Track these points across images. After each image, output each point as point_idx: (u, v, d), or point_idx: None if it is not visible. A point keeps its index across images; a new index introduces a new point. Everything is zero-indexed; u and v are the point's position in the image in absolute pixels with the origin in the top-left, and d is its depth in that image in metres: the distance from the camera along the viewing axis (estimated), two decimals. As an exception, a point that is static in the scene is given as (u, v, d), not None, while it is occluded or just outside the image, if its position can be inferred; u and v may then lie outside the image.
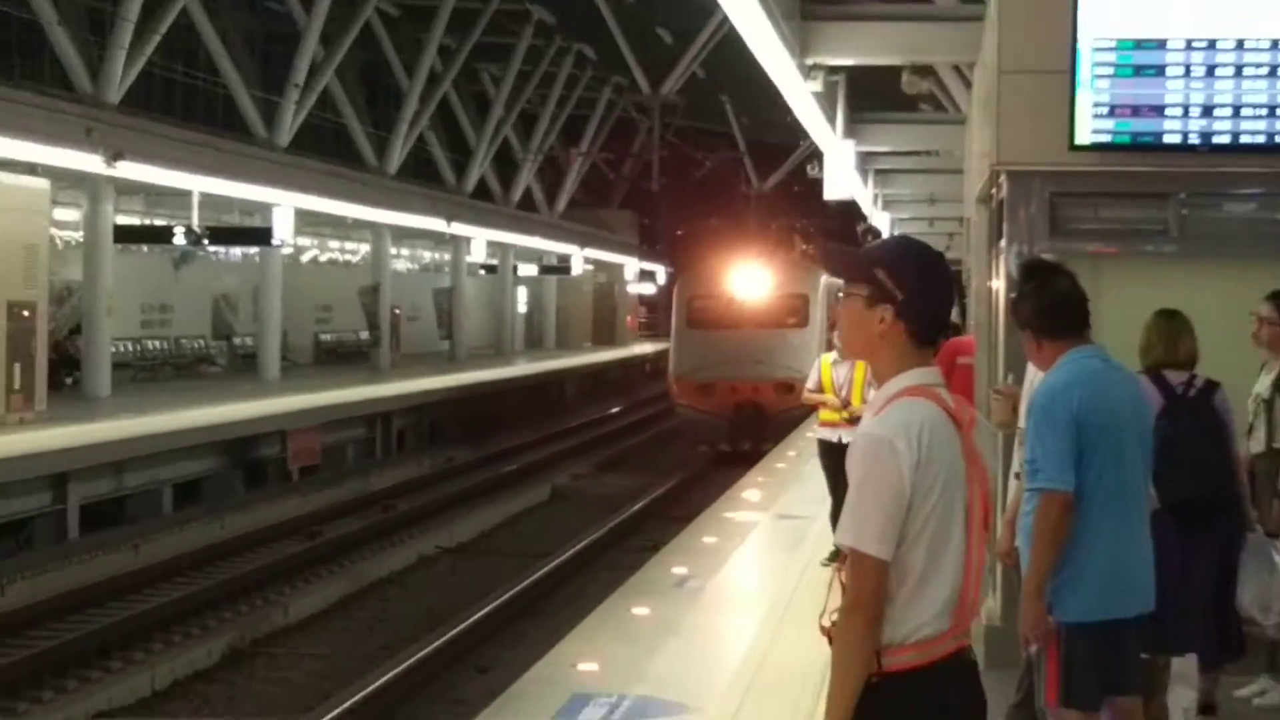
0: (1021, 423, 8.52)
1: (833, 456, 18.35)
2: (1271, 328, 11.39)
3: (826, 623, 5.47)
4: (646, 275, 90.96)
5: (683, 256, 62.75)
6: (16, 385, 29.86)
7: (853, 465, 5.31)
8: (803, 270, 47.07)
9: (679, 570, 17.70)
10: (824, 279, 47.17)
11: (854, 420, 18.34)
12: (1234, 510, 10.17)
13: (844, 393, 18.28)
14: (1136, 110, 13.16)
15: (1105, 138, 13.16)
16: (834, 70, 27.60)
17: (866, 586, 5.24)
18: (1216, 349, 10.70)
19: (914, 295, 5.40)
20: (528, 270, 71.49)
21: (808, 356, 38.41)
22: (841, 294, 5.62)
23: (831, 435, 18.47)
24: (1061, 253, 11.99)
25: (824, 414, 18.85)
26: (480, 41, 56.33)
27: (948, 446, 5.31)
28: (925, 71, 29.11)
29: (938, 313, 5.56)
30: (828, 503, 18.50)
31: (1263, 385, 11.48)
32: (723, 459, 39.20)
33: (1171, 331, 10.02)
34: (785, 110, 30.16)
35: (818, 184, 37.80)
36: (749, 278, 44.77)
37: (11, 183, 30.06)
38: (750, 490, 25.79)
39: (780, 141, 57.49)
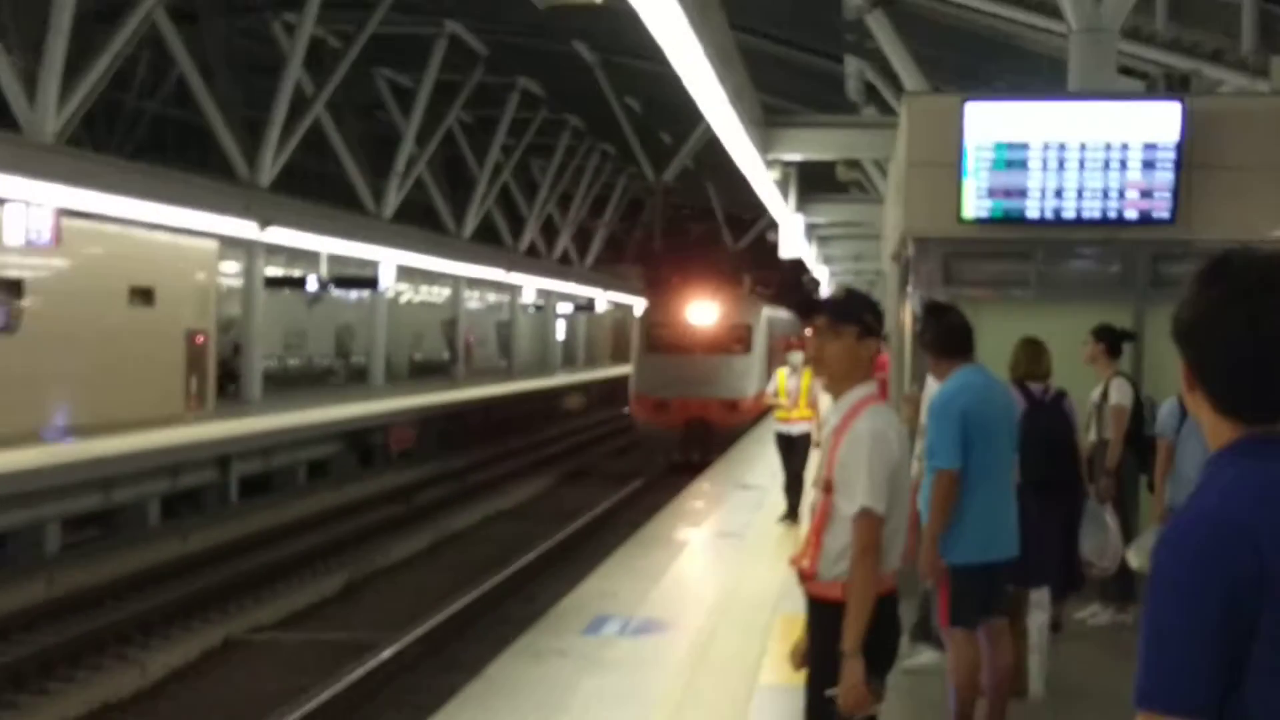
0: (923, 420, 8.53)
1: (784, 443, 18.36)
2: (1094, 350, 11.51)
3: (802, 562, 5.62)
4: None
5: (649, 292, 55.23)
6: (193, 390, 29.98)
7: (859, 447, 5.44)
8: (747, 304, 42.20)
9: (673, 527, 17.70)
10: (765, 312, 42.24)
11: (797, 419, 18.41)
12: (1076, 485, 10.26)
13: (793, 398, 18.23)
14: (1007, 194, 13.22)
15: (984, 213, 13.25)
16: (788, 164, 27.69)
17: (876, 536, 5.40)
18: (1064, 367, 10.74)
19: (879, 326, 5.70)
20: (565, 308, 71.76)
21: (750, 379, 36.87)
22: (822, 329, 5.77)
23: (784, 429, 18.47)
24: (952, 296, 12.01)
25: (779, 413, 18.84)
26: (531, 142, 56.46)
27: (904, 435, 5.57)
28: (853, 165, 29.29)
29: (881, 338, 5.81)
30: (779, 478, 18.50)
31: (1095, 393, 11.53)
32: (674, 467, 34.36)
33: (1033, 353, 10.13)
34: (752, 192, 30.23)
35: (775, 246, 37.98)
36: (700, 310, 39.04)
37: (190, 244, 30.12)
38: (720, 469, 25.81)
39: (749, 214, 57.12)
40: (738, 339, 38.59)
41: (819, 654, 5.62)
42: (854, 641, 5.35)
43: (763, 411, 34.17)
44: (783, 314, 47.15)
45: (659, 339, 39.08)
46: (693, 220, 69.60)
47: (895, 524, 5.50)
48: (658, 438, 37.01)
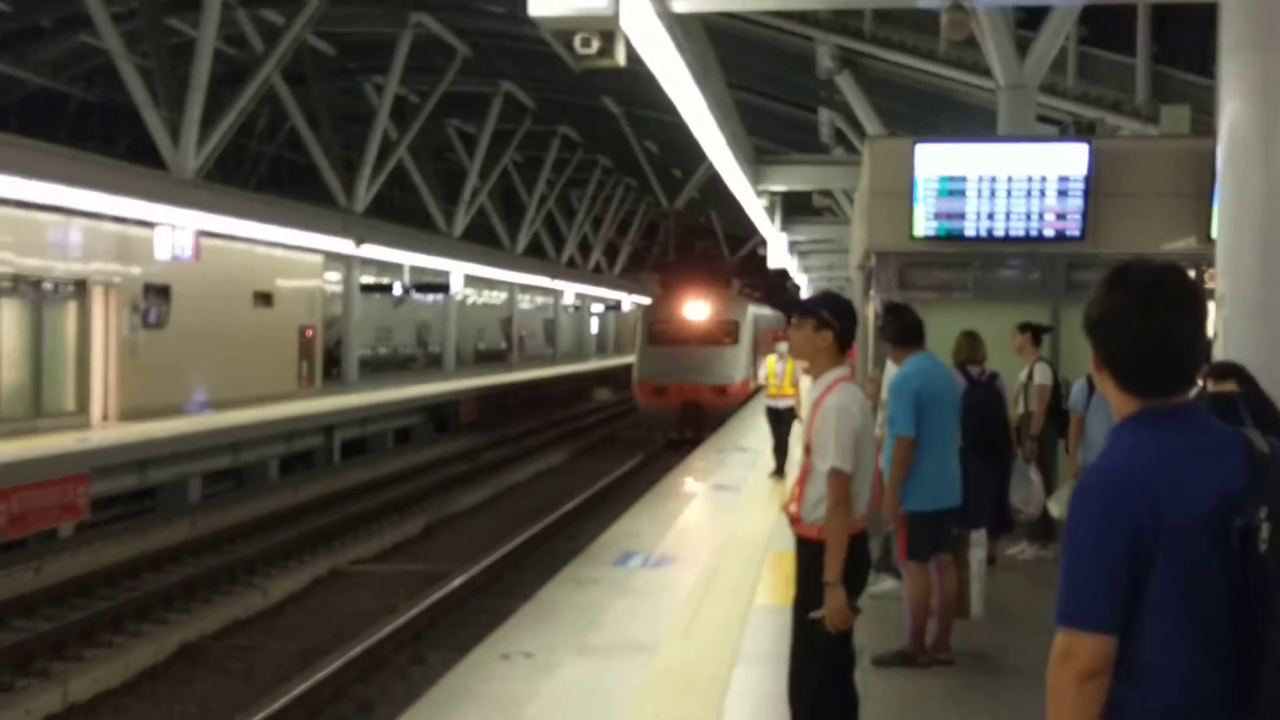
0: (884, 396, 8.52)
1: (773, 415, 18.38)
2: (1020, 340, 11.51)
3: (791, 508, 5.66)
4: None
5: (655, 293, 53.16)
6: (304, 373, 30.07)
7: (829, 419, 5.48)
8: (735, 303, 38.38)
9: (683, 482, 17.70)
10: (751, 309, 38.62)
11: (785, 397, 18.44)
12: (1006, 448, 10.21)
13: (780, 380, 18.26)
14: (949, 216, 13.19)
15: (931, 232, 13.22)
16: (774, 193, 27.61)
17: (846, 489, 5.42)
18: (996, 354, 10.71)
19: (847, 325, 5.66)
20: (597, 308, 71.95)
21: (737, 366, 35.04)
22: (794, 323, 5.82)
23: (772, 404, 18.50)
24: (906, 298, 12.03)
25: (769, 391, 18.88)
26: (570, 176, 56.51)
27: (868, 408, 5.58)
28: (826, 194, 29.12)
29: (851, 334, 5.73)
30: (769, 442, 18.50)
31: (1022, 375, 11.54)
32: (672, 443, 32.53)
33: (971, 343, 10.09)
34: (746, 215, 30.18)
35: (765, 258, 38.00)
36: (695, 308, 36.06)
37: (301, 258, 30.15)
38: (721, 436, 25.72)
39: (743, 233, 56.98)
40: (726, 332, 35.71)
41: (803, 581, 5.67)
42: (835, 574, 5.40)
43: (749, 395, 34.96)
44: (767, 311, 45.07)
45: (659, 334, 36.07)
46: (698, 238, 69.33)
47: (861, 479, 5.53)
48: (657, 418, 34.59)
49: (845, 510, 5.42)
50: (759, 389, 33.95)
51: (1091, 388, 10.30)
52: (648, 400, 34.57)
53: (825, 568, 5.43)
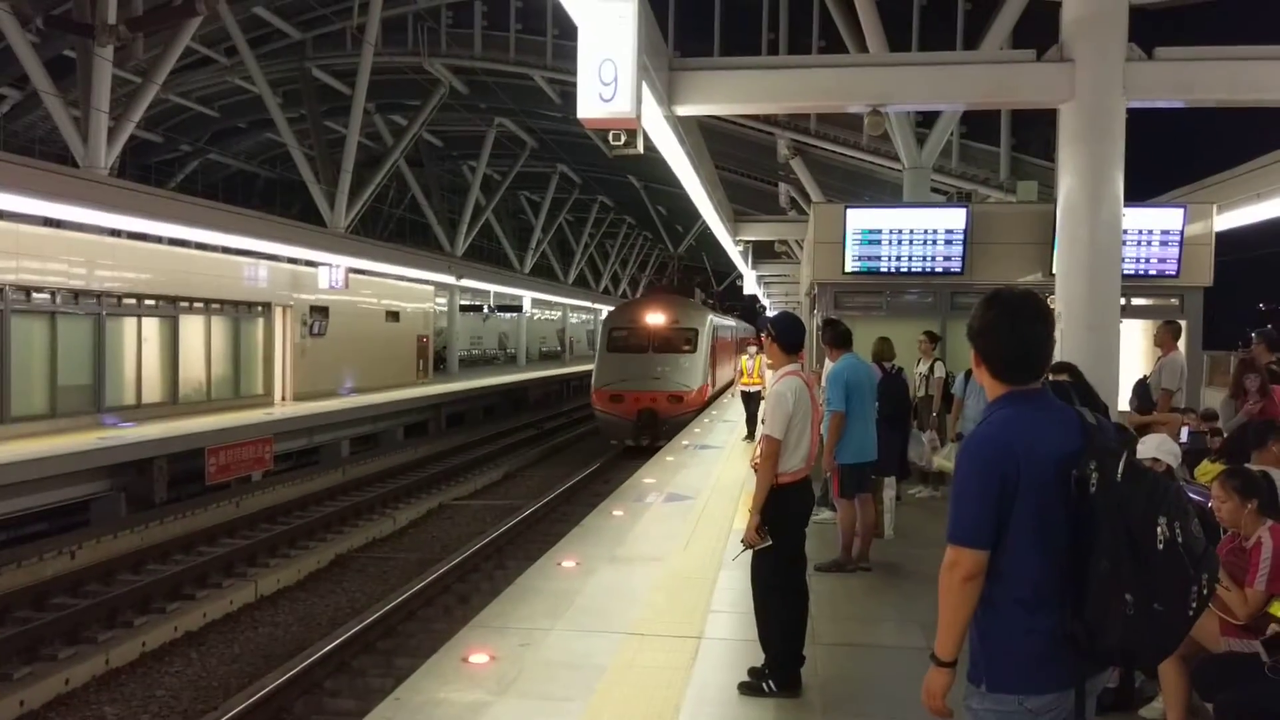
0: (823, 384, 8.51)
1: (745, 397, 18.30)
2: (923, 345, 11.44)
3: (754, 462, 5.62)
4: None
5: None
6: (420, 368, 30.01)
7: (771, 401, 5.45)
8: (695, 311, 26.53)
9: (684, 443, 17.67)
10: (711, 319, 26.99)
11: (754, 384, 18.31)
12: (908, 420, 10.18)
13: (750, 373, 18.17)
14: (869, 258, 13.14)
15: (857, 269, 13.17)
16: (748, 242, 27.55)
17: (774, 449, 5.36)
18: (904, 354, 10.67)
19: (783, 335, 5.59)
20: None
21: (695, 374, 24.13)
22: (763, 335, 5.79)
23: (744, 389, 18.42)
24: (840, 315, 11.98)
25: (742, 380, 18.76)
26: (605, 231, 56.50)
27: (803, 393, 5.47)
28: (784, 242, 28.96)
29: (796, 342, 5.68)
30: (743, 416, 18.45)
31: (922, 369, 11.49)
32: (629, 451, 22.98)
33: (884, 345, 10.04)
34: (728, 257, 30.09)
35: (741, 288, 37.83)
36: (653, 315, 25.08)
37: (418, 287, 30.03)
38: (707, 414, 25.60)
39: (726, 270, 56.86)
40: (685, 340, 24.78)
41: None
42: (756, 506, 5.42)
43: (706, 402, 25.35)
44: (729, 321, 36.05)
45: (618, 340, 24.89)
46: (694, 273, 69.15)
47: (796, 441, 5.46)
48: (613, 425, 23.63)
49: (771, 463, 5.38)
50: (725, 389, 30.24)
51: (967, 378, 10.29)
52: (604, 407, 23.79)
53: (753, 499, 5.45)
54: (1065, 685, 2.76)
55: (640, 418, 23.01)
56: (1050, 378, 4.55)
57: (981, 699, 2.79)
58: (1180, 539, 2.58)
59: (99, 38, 16.58)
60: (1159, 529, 2.57)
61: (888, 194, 22.75)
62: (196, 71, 26.37)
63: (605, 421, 23.74)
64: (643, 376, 23.68)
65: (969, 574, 2.72)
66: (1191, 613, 2.61)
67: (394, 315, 28.21)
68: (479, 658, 5.81)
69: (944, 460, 10.91)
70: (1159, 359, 9.85)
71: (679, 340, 24.68)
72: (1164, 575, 2.57)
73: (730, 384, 30.44)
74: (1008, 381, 2.87)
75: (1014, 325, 2.85)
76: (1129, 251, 12.16)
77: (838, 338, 8.37)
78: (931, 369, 11.45)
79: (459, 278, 31.82)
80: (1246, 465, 5.42)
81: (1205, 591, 2.61)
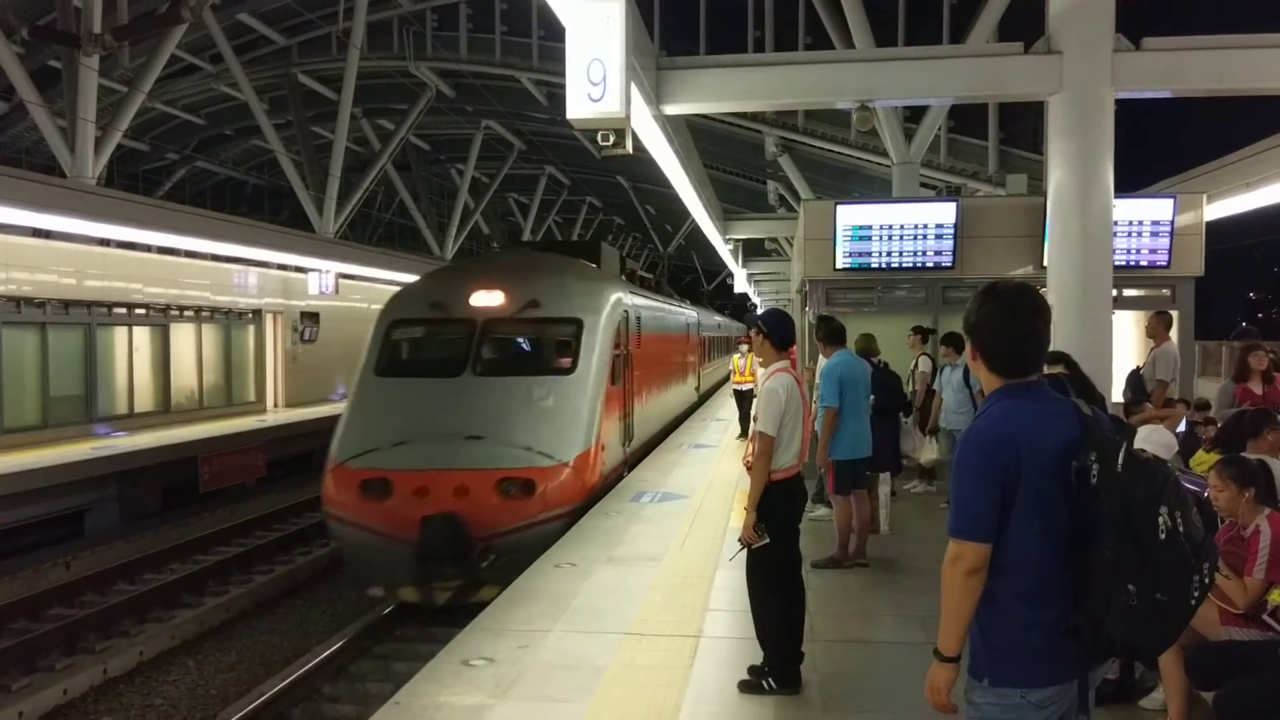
0: (817, 380, 8.50)
1: (738, 395, 18.25)
2: (912, 340, 11.45)
3: (747, 459, 5.59)
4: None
5: None
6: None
7: (763, 398, 5.44)
8: (583, 286, 11.85)
9: (678, 442, 17.66)
10: (619, 301, 12.17)
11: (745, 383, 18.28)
12: (899, 414, 10.17)
13: (742, 371, 18.13)
14: (860, 254, 13.13)
15: (848, 265, 13.15)
16: (737, 240, 27.57)
17: (768, 446, 5.34)
18: (895, 350, 10.69)
19: (774, 332, 5.58)
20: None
21: (569, 425, 10.10)
22: (752, 332, 5.76)
23: (737, 387, 18.35)
24: (832, 312, 11.97)
25: (734, 379, 18.69)
26: (595, 232, 56.44)
27: (794, 389, 5.45)
28: (774, 240, 29.02)
29: (786, 338, 5.66)
30: (735, 414, 18.42)
31: (912, 364, 11.49)
32: None
33: (868, 341, 10.02)
34: (718, 255, 30.13)
35: (732, 286, 37.88)
36: (487, 295, 11.05)
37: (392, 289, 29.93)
38: (703, 413, 25.51)
39: (716, 269, 56.90)
40: (556, 348, 11.40)
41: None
42: (751, 503, 5.40)
43: (605, 489, 13.55)
44: (687, 310, 23.66)
45: (402, 353, 13.23)
46: (683, 272, 69.13)
47: (788, 437, 5.46)
48: (373, 552, 11.05)
49: (766, 460, 5.37)
50: (656, 442, 16.24)
51: (939, 373, 10.47)
52: (351, 511, 9.63)
53: (749, 497, 5.44)
54: (1068, 678, 2.76)
55: (429, 534, 9.19)
56: (1045, 369, 4.56)
57: (984, 693, 2.79)
58: (1182, 528, 2.57)
59: (84, 47, 16.52)
60: (1161, 518, 2.57)
61: (876, 190, 22.79)
62: (182, 79, 26.29)
63: (353, 545, 9.81)
64: (444, 436, 9.89)
65: (972, 568, 2.71)
66: (1194, 602, 2.60)
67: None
68: (479, 661, 5.79)
69: (929, 454, 10.95)
70: (1151, 350, 9.87)
71: (544, 348, 11.46)
72: (1166, 565, 2.56)
73: (683, 417, 20.27)
74: (1006, 375, 2.86)
75: (1013, 320, 2.85)
76: (1119, 243, 12.16)
77: (831, 334, 8.36)
78: (917, 364, 11.47)
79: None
80: (1243, 454, 5.43)
81: (1206, 581, 2.61)
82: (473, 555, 9.02)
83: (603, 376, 10.79)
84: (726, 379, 29.31)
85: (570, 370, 10.57)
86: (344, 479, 9.65)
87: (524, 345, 11.44)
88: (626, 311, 12.70)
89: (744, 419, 17.96)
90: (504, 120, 32.45)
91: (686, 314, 21.96)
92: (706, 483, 12.63)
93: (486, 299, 11.09)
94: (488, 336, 10.84)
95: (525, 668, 5.71)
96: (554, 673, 5.64)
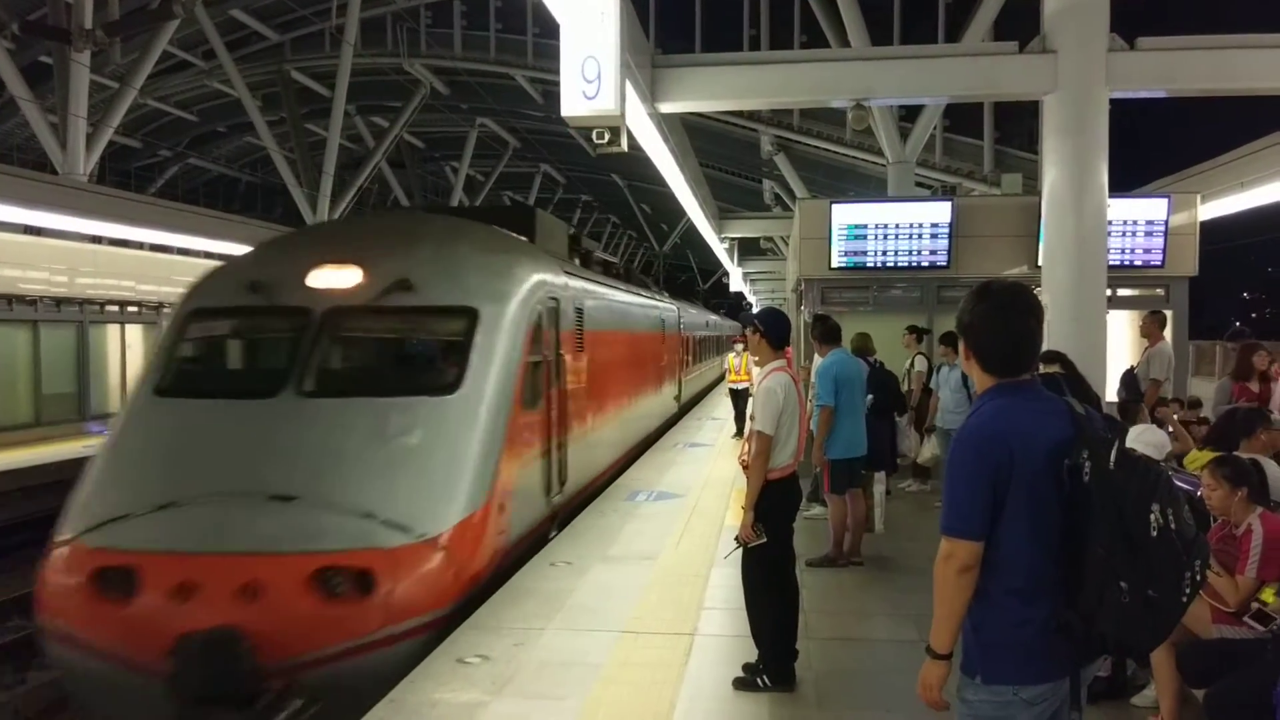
0: (813, 379, 8.52)
1: (734, 394, 18.24)
2: (907, 339, 11.48)
3: (743, 458, 5.61)
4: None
5: None
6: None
7: (760, 397, 5.46)
8: (481, 262, 7.86)
9: (673, 441, 17.67)
10: (538, 284, 8.24)
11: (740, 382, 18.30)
12: (894, 413, 10.18)
13: (738, 370, 18.11)
14: (855, 253, 13.16)
15: (843, 264, 13.19)
16: (732, 239, 27.60)
17: (766, 445, 5.37)
18: (889, 349, 10.72)
19: (771, 331, 5.60)
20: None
21: (449, 475, 6.38)
22: (748, 331, 5.78)
23: (733, 386, 18.32)
24: (827, 311, 12.01)
25: (730, 378, 18.66)
26: (590, 230, 56.43)
27: (791, 389, 5.46)
28: (769, 239, 29.07)
29: (783, 337, 5.67)
30: (731, 414, 18.40)
31: (907, 363, 11.52)
32: None
33: (864, 340, 10.02)
34: (713, 254, 30.14)
35: (727, 285, 37.89)
36: (330, 274, 7.29)
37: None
38: (697, 411, 25.49)
39: (711, 267, 56.94)
40: (431, 353, 7.62)
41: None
42: (750, 502, 5.42)
43: (496, 574, 8.54)
44: (663, 301, 20.60)
45: (195, 364, 8.08)
46: (679, 271, 69.12)
47: (785, 436, 5.47)
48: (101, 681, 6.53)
49: (764, 459, 5.38)
50: (591, 494, 11.82)
51: (935, 372, 10.49)
52: (75, 623, 5.66)
53: (746, 496, 5.45)
54: (1060, 675, 2.78)
55: (189, 663, 5.22)
56: (1041, 368, 4.59)
57: (977, 690, 2.81)
58: (1173, 526, 2.60)
59: (75, 43, 16.50)
60: (1153, 516, 2.59)
61: (872, 189, 22.84)
62: (174, 75, 26.26)
63: (79, 676, 5.80)
64: (233, 496, 5.92)
65: (964, 565, 2.74)
66: (1185, 599, 2.63)
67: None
68: (474, 658, 5.81)
69: (927, 453, 10.98)
70: (1146, 349, 9.92)
71: (415, 354, 7.67)
72: (1158, 562, 2.59)
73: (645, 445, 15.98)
74: (999, 374, 2.89)
75: (1006, 319, 2.87)
76: (1114, 242, 12.22)
77: (827, 333, 8.39)
78: (913, 363, 11.49)
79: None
80: (1236, 453, 5.46)
81: (1198, 578, 2.64)
82: (263, 698, 5.29)
83: (507, 395, 7.19)
84: (717, 383, 29.13)
85: (452, 388, 6.85)
86: (71, 565, 5.82)
87: (387, 349, 7.60)
88: (557, 300, 8.95)
89: (740, 418, 17.99)
90: (499, 118, 32.47)
91: (661, 307, 18.16)
92: (702, 482, 12.64)
93: (332, 278, 7.28)
94: (329, 335, 7.03)
95: (520, 665, 5.73)
96: (549, 670, 5.66)
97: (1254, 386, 8.52)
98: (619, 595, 7.21)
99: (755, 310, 7.00)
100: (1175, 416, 9.02)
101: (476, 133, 33.53)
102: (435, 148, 37.00)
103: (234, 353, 7.84)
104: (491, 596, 7.20)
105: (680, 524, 9.84)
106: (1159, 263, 12.91)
